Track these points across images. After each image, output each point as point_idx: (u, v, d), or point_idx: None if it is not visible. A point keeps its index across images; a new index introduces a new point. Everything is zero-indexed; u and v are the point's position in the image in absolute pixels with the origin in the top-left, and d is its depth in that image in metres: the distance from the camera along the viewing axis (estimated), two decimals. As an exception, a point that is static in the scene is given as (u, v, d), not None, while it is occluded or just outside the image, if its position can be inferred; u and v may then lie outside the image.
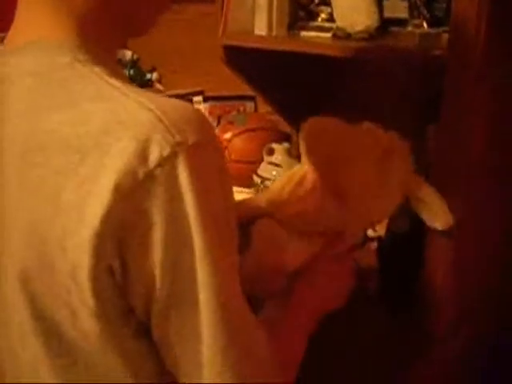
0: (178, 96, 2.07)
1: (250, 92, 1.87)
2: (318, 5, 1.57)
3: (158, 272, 0.59)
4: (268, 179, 1.54)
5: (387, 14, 1.40)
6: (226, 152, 1.68)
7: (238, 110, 1.87)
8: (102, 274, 0.59)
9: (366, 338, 1.18)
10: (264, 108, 1.90)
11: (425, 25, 1.38)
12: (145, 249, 0.58)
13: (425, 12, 1.38)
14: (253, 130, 1.69)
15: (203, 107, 1.83)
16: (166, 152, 0.57)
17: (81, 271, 0.59)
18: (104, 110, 0.60)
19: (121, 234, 0.58)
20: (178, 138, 0.57)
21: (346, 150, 0.95)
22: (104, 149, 0.57)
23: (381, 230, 1.29)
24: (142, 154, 0.56)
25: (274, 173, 1.54)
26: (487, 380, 1.44)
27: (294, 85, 1.82)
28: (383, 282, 1.30)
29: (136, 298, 0.62)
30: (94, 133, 0.59)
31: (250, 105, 1.89)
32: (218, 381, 0.62)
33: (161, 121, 0.58)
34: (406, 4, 1.40)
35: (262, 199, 0.98)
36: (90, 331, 0.64)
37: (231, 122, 1.74)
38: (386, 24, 1.41)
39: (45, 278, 0.63)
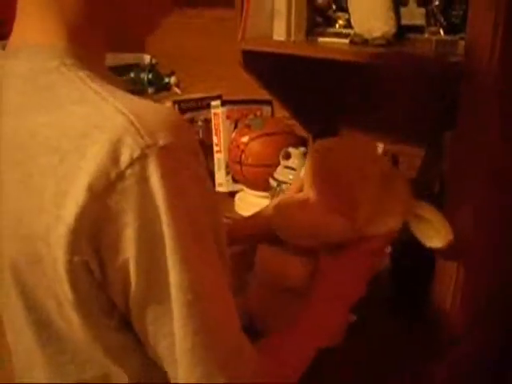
0: (195, 100, 2.09)
1: (267, 96, 1.89)
2: (336, 11, 1.57)
3: (132, 269, 0.62)
4: (284, 183, 1.56)
5: (404, 21, 1.41)
6: (243, 155, 1.70)
7: (255, 114, 1.88)
8: (78, 269, 0.62)
9: (378, 340, 1.19)
10: (281, 112, 1.92)
11: (441, 32, 1.38)
12: (118, 247, 0.61)
13: (441, 19, 1.38)
14: (269, 134, 1.70)
15: (221, 111, 1.84)
16: (136, 154, 0.59)
17: (60, 265, 0.62)
18: (83, 113, 0.63)
19: (95, 232, 0.60)
20: (148, 140, 0.59)
21: (350, 169, 0.98)
22: (81, 151, 0.60)
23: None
24: (114, 156, 0.59)
25: (291, 177, 1.56)
26: (498, 381, 1.45)
27: (311, 90, 1.83)
28: (396, 285, 1.31)
29: (115, 294, 0.65)
30: (73, 136, 0.62)
31: (266, 109, 1.91)
32: (191, 380, 0.64)
33: (133, 124, 0.60)
34: (422, 11, 1.41)
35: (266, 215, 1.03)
36: (73, 322, 0.67)
37: (248, 126, 1.75)
38: (402, 30, 1.41)
39: (34, 270, 0.67)
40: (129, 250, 0.61)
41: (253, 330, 0.75)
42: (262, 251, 0.99)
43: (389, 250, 1.31)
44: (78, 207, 0.60)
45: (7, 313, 0.81)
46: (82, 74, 0.67)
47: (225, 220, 0.80)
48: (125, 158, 0.59)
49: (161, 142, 0.60)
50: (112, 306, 0.66)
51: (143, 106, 0.64)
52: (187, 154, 0.64)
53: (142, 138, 0.60)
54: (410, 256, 1.26)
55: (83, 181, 0.59)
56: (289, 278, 0.95)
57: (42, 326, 0.72)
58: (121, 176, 0.59)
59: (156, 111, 0.64)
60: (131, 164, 0.59)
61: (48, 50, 0.69)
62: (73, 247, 0.61)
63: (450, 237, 1.00)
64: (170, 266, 0.61)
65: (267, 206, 1.10)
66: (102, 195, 0.59)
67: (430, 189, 1.38)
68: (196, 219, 0.64)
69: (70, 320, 0.67)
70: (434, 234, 1.01)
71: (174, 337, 0.64)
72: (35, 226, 0.64)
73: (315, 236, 0.95)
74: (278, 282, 0.96)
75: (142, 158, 0.59)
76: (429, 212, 1.01)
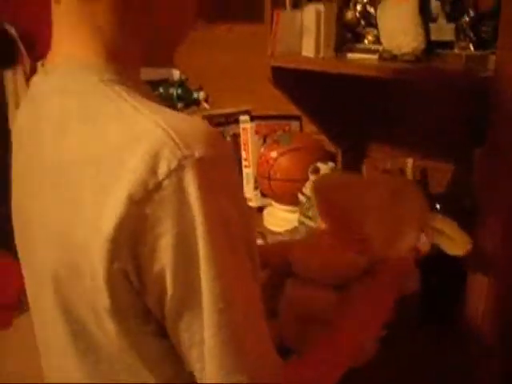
0: (224, 115, 2.12)
1: (295, 111, 1.90)
2: (365, 27, 1.58)
3: (168, 277, 0.63)
4: (313, 198, 1.56)
5: (434, 37, 1.41)
6: (272, 171, 1.71)
7: (284, 130, 1.89)
8: (116, 277, 0.64)
9: (406, 358, 1.19)
10: (309, 127, 1.92)
11: (471, 47, 1.38)
12: (155, 254, 0.62)
13: (471, 34, 1.38)
14: (298, 149, 1.71)
15: (249, 126, 1.85)
16: (174, 165, 0.61)
17: (98, 273, 0.64)
18: (121, 127, 0.65)
19: (133, 241, 0.62)
20: (185, 152, 0.61)
21: (357, 198, 1.00)
22: (119, 163, 0.62)
23: (425, 247, 1.29)
24: (153, 168, 0.61)
25: (319, 192, 1.56)
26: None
27: (339, 105, 1.84)
28: (424, 302, 1.30)
29: (152, 301, 0.66)
30: (111, 148, 0.64)
31: (295, 124, 1.92)
32: None
33: (170, 137, 0.62)
34: (452, 26, 1.41)
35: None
36: (109, 330, 0.68)
37: (277, 141, 1.77)
38: (432, 46, 1.41)
39: (73, 281, 0.69)
40: (165, 257, 0.62)
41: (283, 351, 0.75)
42: (291, 285, 1.00)
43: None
44: (116, 217, 0.62)
45: (41, 322, 0.83)
46: (118, 88, 0.69)
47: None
48: (163, 169, 0.61)
49: (197, 154, 0.62)
50: (148, 312, 0.68)
51: (180, 119, 0.66)
52: (222, 166, 0.66)
53: (179, 149, 0.61)
54: (438, 271, 1.25)
55: (122, 191, 0.61)
56: (317, 311, 0.96)
57: (79, 336, 0.73)
58: (158, 186, 0.61)
59: (192, 124, 0.66)
60: (169, 175, 0.61)
61: (86, 66, 0.72)
62: (112, 255, 0.63)
63: (468, 245, 1.01)
64: (203, 275, 0.63)
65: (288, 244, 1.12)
66: (140, 205, 0.61)
67: (460, 204, 1.38)
68: (230, 230, 0.65)
69: (107, 328, 0.69)
70: (452, 244, 1.02)
71: (204, 343, 0.65)
72: (74, 236, 0.66)
73: (334, 275, 0.97)
74: (307, 314, 0.97)
75: (179, 169, 0.61)
76: (443, 223, 1.02)
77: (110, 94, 0.68)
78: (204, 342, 0.65)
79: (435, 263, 1.24)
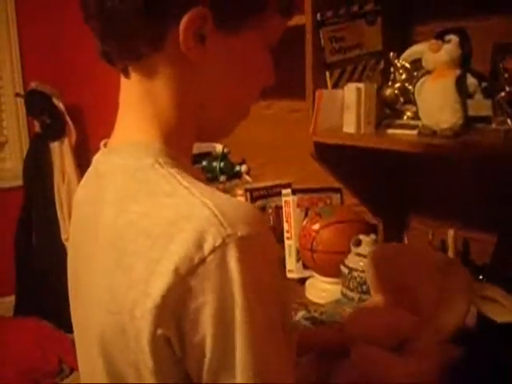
0: (266, 188, 2.17)
1: (335, 184, 1.94)
2: (404, 104, 1.64)
3: (208, 345, 0.67)
4: (355, 270, 1.58)
5: (471, 113, 1.44)
6: (314, 243, 1.74)
7: (325, 202, 1.92)
8: (160, 341, 0.68)
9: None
10: (350, 200, 1.96)
11: (509, 122, 1.41)
12: (197, 324, 0.67)
13: (509, 109, 1.42)
14: (340, 221, 1.74)
15: (291, 199, 1.90)
16: (218, 242, 0.66)
17: (143, 336, 0.69)
18: (174, 205, 0.70)
19: (178, 309, 0.67)
20: (229, 230, 0.67)
21: (412, 268, 1.04)
22: (170, 237, 0.68)
23: (471, 319, 1.29)
24: (199, 244, 0.66)
25: (361, 263, 1.58)
26: None
27: (380, 178, 1.88)
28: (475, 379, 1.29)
29: (190, 364, 0.70)
30: (164, 223, 0.69)
31: (336, 196, 1.95)
32: None
33: (216, 216, 0.67)
34: (489, 102, 1.45)
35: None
36: None
37: (319, 214, 1.80)
38: (470, 121, 1.45)
39: (118, 341, 0.74)
40: (206, 327, 0.66)
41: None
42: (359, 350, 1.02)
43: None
44: (164, 286, 0.67)
45: (89, 379, 0.86)
46: (173, 171, 0.75)
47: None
48: (208, 246, 0.66)
49: (239, 233, 0.67)
50: (187, 376, 0.71)
51: (226, 200, 0.72)
52: (262, 244, 0.71)
53: (224, 228, 0.67)
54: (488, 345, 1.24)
55: (170, 263, 0.66)
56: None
57: None
58: (203, 260, 0.66)
59: (237, 205, 0.72)
60: (213, 251, 0.66)
61: (144, 149, 0.78)
62: (157, 321, 0.67)
63: None
64: (238, 344, 0.66)
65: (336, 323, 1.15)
66: (186, 277, 0.66)
67: (503, 274, 1.38)
68: (267, 306, 0.69)
69: None
70: (502, 310, 1.03)
71: None
72: (124, 300, 0.71)
73: (389, 336, 0.99)
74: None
75: (223, 246, 0.66)
76: (492, 291, 1.04)
77: (166, 175, 0.74)
78: None
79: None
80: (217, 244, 0.66)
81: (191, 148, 0.87)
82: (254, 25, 0.79)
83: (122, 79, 0.83)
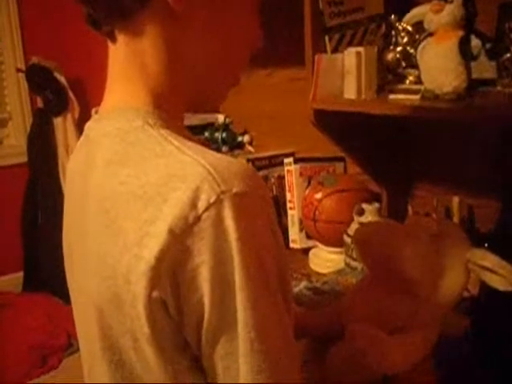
0: (268, 157, 2.14)
1: (339, 153, 1.91)
2: (406, 68, 1.60)
3: (206, 306, 0.65)
4: (358, 239, 1.56)
5: (475, 75, 1.41)
6: (317, 212, 1.71)
7: (328, 171, 1.90)
8: (156, 305, 0.67)
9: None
10: (353, 168, 1.93)
11: (514, 84, 1.38)
12: (194, 284, 0.65)
13: (513, 71, 1.38)
14: (343, 190, 1.72)
15: (294, 168, 1.87)
16: (212, 199, 0.64)
17: (139, 301, 0.67)
18: (164, 164, 0.69)
19: (173, 270, 0.65)
20: (223, 187, 0.65)
21: (399, 244, 1.01)
22: (163, 197, 0.66)
23: (474, 288, 1.27)
24: (193, 202, 0.64)
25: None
26: None
27: (383, 145, 1.84)
28: (478, 348, 1.27)
29: (189, 331, 0.68)
30: (155, 184, 0.68)
31: (339, 165, 1.92)
32: None
33: (210, 173, 0.66)
34: (493, 64, 1.41)
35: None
36: (148, 358, 0.71)
37: (321, 183, 1.77)
38: (474, 84, 1.41)
39: (113, 309, 0.72)
40: (203, 287, 0.65)
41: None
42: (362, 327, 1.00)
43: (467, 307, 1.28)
44: (159, 247, 0.65)
45: (87, 352, 0.85)
46: (163, 131, 0.74)
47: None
48: (202, 203, 0.64)
49: (234, 190, 0.65)
50: (185, 345, 0.70)
51: (219, 158, 0.70)
52: (258, 201, 0.69)
53: (218, 185, 0.65)
54: (495, 313, 1.22)
55: (164, 223, 0.65)
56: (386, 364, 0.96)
57: (117, 365, 0.76)
58: (198, 219, 0.64)
59: (230, 162, 0.70)
60: (207, 208, 0.64)
61: (134, 111, 0.77)
62: (152, 283, 0.66)
63: None
64: (238, 304, 0.65)
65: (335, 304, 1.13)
66: (181, 236, 0.64)
67: (509, 241, 1.35)
68: (264, 262, 0.68)
69: (145, 357, 0.71)
70: (501, 280, 1.00)
71: (239, 373, 0.67)
72: (118, 265, 0.70)
73: (386, 320, 0.97)
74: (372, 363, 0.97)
75: (218, 203, 0.64)
76: (490, 260, 1.01)
77: (156, 136, 0.73)
78: (239, 371, 0.67)
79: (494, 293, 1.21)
80: (211, 201, 0.64)
81: (183, 112, 0.85)
82: None
83: (110, 45, 0.81)
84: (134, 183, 0.70)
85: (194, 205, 0.64)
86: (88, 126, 0.85)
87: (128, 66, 0.79)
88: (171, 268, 0.65)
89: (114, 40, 0.80)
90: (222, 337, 0.66)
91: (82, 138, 0.87)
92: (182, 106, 0.84)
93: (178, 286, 0.66)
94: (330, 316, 1.10)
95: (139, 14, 0.75)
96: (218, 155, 0.71)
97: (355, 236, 1.11)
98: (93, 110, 0.86)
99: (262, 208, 0.69)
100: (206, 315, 0.66)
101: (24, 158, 3.71)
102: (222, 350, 0.67)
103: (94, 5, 0.77)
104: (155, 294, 0.66)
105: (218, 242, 0.64)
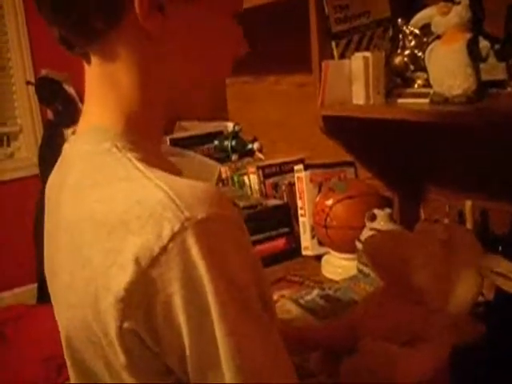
0: (278, 164, 2.14)
1: (349, 158, 1.90)
2: (414, 71, 1.58)
3: (185, 335, 0.64)
4: (371, 245, 1.54)
5: (485, 77, 1.39)
6: (328, 219, 1.70)
7: (339, 177, 1.89)
8: (129, 335, 0.65)
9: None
10: (364, 173, 1.92)
11: (525, 85, 1.36)
12: (169, 315, 0.63)
13: (524, 72, 1.37)
14: (354, 196, 1.70)
15: (304, 175, 1.86)
16: (177, 227, 0.62)
17: (110, 329, 0.66)
18: (127, 190, 0.67)
19: (144, 302, 0.63)
20: (186, 214, 0.63)
21: (408, 253, 0.99)
22: (126, 226, 0.64)
23: (489, 293, 1.25)
24: (157, 231, 0.62)
25: (377, 238, 1.54)
26: None
27: (393, 150, 1.83)
28: (493, 354, 1.25)
29: (173, 361, 0.67)
30: (118, 211, 0.66)
31: (350, 171, 1.91)
32: None
33: (173, 200, 0.64)
34: (503, 65, 1.40)
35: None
36: (126, 381, 0.69)
37: (332, 189, 1.76)
38: (484, 86, 1.40)
39: (82, 336, 0.71)
40: (179, 317, 0.63)
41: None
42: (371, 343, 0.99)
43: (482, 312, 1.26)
44: (126, 278, 0.63)
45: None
46: (130, 155, 0.72)
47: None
48: (166, 233, 0.62)
49: (199, 216, 0.63)
50: (167, 371, 0.68)
51: (182, 183, 0.68)
52: (225, 225, 0.67)
53: (181, 212, 0.63)
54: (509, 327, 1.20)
55: (130, 254, 0.63)
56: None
57: None
58: (164, 249, 0.62)
59: (194, 187, 0.68)
60: (172, 238, 0.62)
61: (102, 133, 0.76)
62: (123, 315, 0.64)
63: None
64: (217, 332, 0.63)
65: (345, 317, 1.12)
66: (148, 268, 0.63)
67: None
68: (238, 284, 0.66)
69: (122, 379, 0.69)
70: None
71: None
72: (85, 294, 0.68)
73: (399, 332, 0.95)
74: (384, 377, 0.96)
75: (183, 231, 0.62)
76: (503, 266, 0.99)
77: (122, 159, 0.72)
78: None
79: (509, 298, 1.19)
80: (175, 230, 0.62)
81: (160, 129, 0.84)
82: None
83: (85, 66, 0.81)
84: (98, 209, 0.68)
85: (158, 235, 0.63)
86: (64, 146, 0.84)
87: (101, 86, 0.79)
88: (141, 300, 0.64)
89: (88, 61, 0.79)
90: (206, 365, 0.65)
91: (59, 159, 0.86)
92: (158, 123, 0.83)
93: (153, 318, 0.64)
94: (342, 329, 1.08)
95: (111, 35, 0.74)
96: (183, 180, 0.70)
97: (365, 248, 1.10)
98: (69, 131, 0.86)
99: (229, 231, 0.67)
100: (187, 344, 0.64)
101: (36, 170, 3.72)
102: (209, 378, 0.65)
103: (65, 27, 0.75)
104: (126, 325, 0.65)
105: (187, 272, 0.62)
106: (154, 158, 0.75)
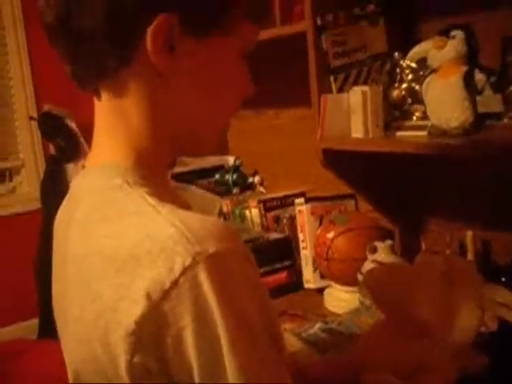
0: (280, 198, 2.14)
1: (349, 191, 1.91)
2: (412, 104, 1.60)
3: (195, 369, 0.64)
4: (372, 277, 1.54)
5: (481, 109, 1.41)
6: (330, 251, 1.70)
7: (340, 210, 1.89)
8: (139, 369, 0.65)
9: None
10: (364, 206, 1.92)
11: (521, 116, 1.37)
12: (180, 348, 0.63)
13: (520, 104, 1.38)
14: (355, 229, 1.71)
15: (305, 208, 1.87)
16: (188, 262, 0.62)
17: (119, 363, 0.66)
18: (138, 224, 0.68)
19: (155, 335, 0.63)
20: (197, 248, 0.63)
21: (408, 285, 1.00)
22: (136, 260, 0.64)
23: (492, 324, 1.25)
24: (168, 265, 0.63)
25: (378, 270, 1.54)
26: None
27: (393, 182, 1.84)
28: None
29: None
30: (128, 245, 0.66)
31: (350, 203, 1.92)
32: None
33: (184, 235, 0.64)
34: (499, 97, 1.41)
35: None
36: None
37: (333, 222, 1.77)
38: (481, 118, 1.41)
39: (90, 370, 0.71)
40: (190, 351, 0.63)
41: None
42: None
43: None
44: (137, 312, 0.63)
45: None
46: (141, 190, 0.73)
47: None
48: (178, 267, 0.62)
49: (210, 250, 0.63)
50: None
51: (193, 217, 0.69)
52: (235, 259, 0.67)
53: (192, 246, 0.63)
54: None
55: (140, 288, 0.63)
56: None
57: None
58: (175, 283, 0.62)
59: (205, 221, 0.68)
60: (184, 272, 0.62)
61: (113, 169, 0.76)
62: (134, 348, 0.64)
63: None
64: (228, 367, 0.63)
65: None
66: (159, 301, 0.63)
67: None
68: (248, 320, 0.66)
69: None
70: None
71: None
72: (93, 328, 0.68)
73: (402, 365, 0.95)
74: None
75: (194, 266, 0.62)
76: (506, 296, 0.99)
77: (134, 195, 0.72)
78: None
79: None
80: (187, 264, 0.62)
81: (168, 165, 0.85)
82: (222, 31, 0.76)
83: (95, 101, 0.81)
84: (109, 244, 0.68)
85: (169, 269, 0.63)
86: (73, 182, 0.85)
87: (111, 121, 0.79)
88: (153, 333, 0.64)
89: (98, 96, 0.80)
90: None
91: (68, 194, 0.86)
92: (166, 159, 0.83)
93: (163, 351, 0.64)
94: (345, 364, 1.08)
95: (122, 72, 0.75)
96: (193, 215, 0.70)
97: (366, 282, 1.10)
98: (79, 165, 0.86)
99: (239, 264, 0.67)
100: (197, 378, 0.64)
101: (37, 205, 3.72)
102: None
103: (77, 64, 0.77)
104: (137, 358, 0.65)
105: (198, 306, 0.63)
106: (164, 193, 0.75)
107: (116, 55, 0.74)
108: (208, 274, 0.63)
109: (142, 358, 0.65)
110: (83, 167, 0.84)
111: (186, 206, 0.75)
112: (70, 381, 0.77)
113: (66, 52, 0.76)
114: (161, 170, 0.83)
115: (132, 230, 0.67)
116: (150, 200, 0.71)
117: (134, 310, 0.64)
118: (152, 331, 0.64)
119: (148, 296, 0.63)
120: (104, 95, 0.79)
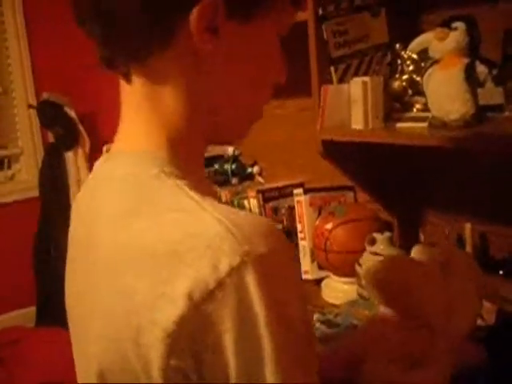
0: (278, 188, 2.14)
1: (348, 182, 1.91)
2: (413, 96, 1.59)
3: (232, 375, 0.60)
4: (370, 269, 1.54)
5: (482, 102, 1.40)
6: (328, 243, 1.70)
7: (339, 201, 1.89)
8: (174, 372, 0.61)
9: None
10: (363, 197, 1.92)
11: (523, 110, 1.37)
12: (218, 352, 0.60)
13: (521, 96, 1.38)
14: (353, 220, 1.71)
15: (304, 199, 1.86)
16: (236, 262, 0.59)
17: (153, 365, 0.62)
18: (180, 220, 0.64)
19: (193, 337, 0.60)
20: (246, 248, 0.59)
21: (408, 279, 0.99)
22: (178, 257, 0.61)
23: (490, 317, 1.25)
24: (213, 264, 0.59)
25: (377, 262, 1.54)
26: None
27: (392, 173, 1.83)
28: (494, 377, 1.24)
29: None
30: (170, 241, 0.62)
31: (349, 195, 1.91)
32: None
33: (231, 233, 0.60)
34: (500, 90, 1.41)
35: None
36: None
37: (332, 213, 1.76)
38: (482, 111, 1.40)
39: (117, 371, 0.67)
40: (228, 356, 0.60)
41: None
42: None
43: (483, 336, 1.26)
44: (177, 312, 0.60)
45: None
46: (180, 182, 0.69)
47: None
48: (224, 266, 0.59)
49: (258, 250, 0.60)
50: None
51: (240, 215, 0.65)
52: (284, 261, 0.64)
53: (240, 245, 0.60)
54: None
55: (181, 287, 0.60)
56: None
57: None
58: (220, 284, 0.59)
59: (253, 220, 0.65)
60: (230, 273, 0.59)
61: (149, 157, 0.72)
62: (170, 350, 0.61)
63: None
64: (268, 374, 0.60)
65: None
66: (202, 303, 0.59)
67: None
68: (291, 327, 0.63)
69: None
70: None
71: None
72: (125, 328, 0.64)
73: (401, 356, 0.95)
74: None
75: (241, 266, 0.59)
76: (504, 288, 0.99)
77: (173, 187, 0.68)
78: None
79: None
80: (234, 264, 0.59)
81: (203, 154, 0.81)
82: (265, 13, 0.73)
83: (124, 85, 0.77)
84: (146, 238, 0.64)
85: (214, 267, 0.59)
86: (97, 165, 0.81)
87: (144, 107, 0.75)
88: (191, 335, 0.60)
89: (129, 80, 0.75)
90: None
91: (90, 176, 0.82)
92: (200, 148, 0.79)
93: (200, 354, 0.60)
94: (344, 357, 1.07)
95: (160, 56, 0.71)
96: (240, 212, 0.67)
97: (366, 278, 1.09)
98: (104, 148, 0.82)
99: (287, 267, 0.65)
100: (234, 380, 0.61)
101: (36, 193, 3.72)
102: None
103: (109, 46, 0.73)
104: (173, 361, 0.61)
105: (242, 311, 0.59)
106: (200, 185, 0.72)
107: (154, 38, 0.70)
108: (255, 277, 0.59)
109: (177, 361, 0.61)
110: (107, 150, 0.80)
111: (216, 197, 0.72)
112: (93, 380, 0.72)
113: (100, 34, 0.72)
114: (195, 160, 0.79)
115: (174, 226, 0.64)
116: (192, 194, 0.67)
117: (172, 309, 0.60)
118: (190, 333, 0.60)
119: (189, 295, 0.59)
120: (136, 79, 0.74)
